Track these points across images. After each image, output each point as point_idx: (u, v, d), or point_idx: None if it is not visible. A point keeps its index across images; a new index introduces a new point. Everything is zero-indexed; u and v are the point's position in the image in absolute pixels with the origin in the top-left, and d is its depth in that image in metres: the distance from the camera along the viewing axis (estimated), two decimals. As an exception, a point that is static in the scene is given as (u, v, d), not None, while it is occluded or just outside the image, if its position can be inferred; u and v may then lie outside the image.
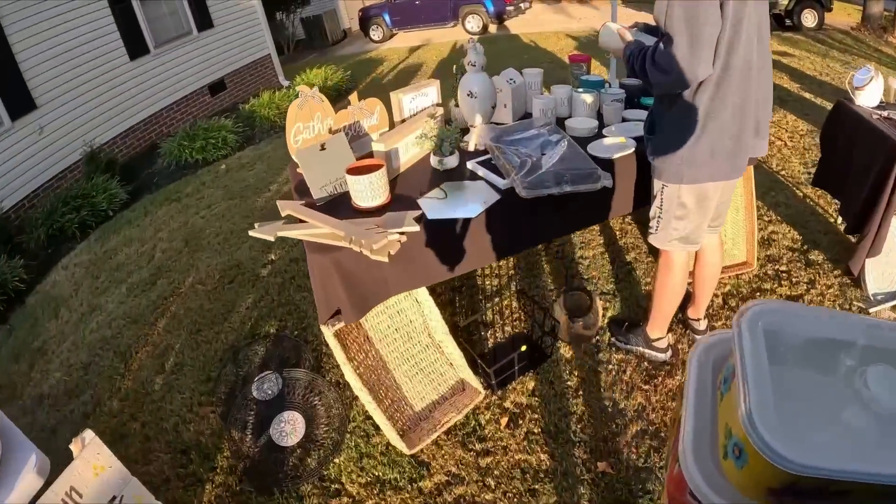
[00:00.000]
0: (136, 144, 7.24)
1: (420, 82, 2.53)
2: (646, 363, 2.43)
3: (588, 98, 2.51)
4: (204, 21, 8.30)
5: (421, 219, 1.85)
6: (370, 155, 2.17)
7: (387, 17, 13.63)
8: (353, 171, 1.92)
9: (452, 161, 2.16)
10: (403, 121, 2.48)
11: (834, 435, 0.54)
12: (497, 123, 2.47)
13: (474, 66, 2.12)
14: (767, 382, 0.55)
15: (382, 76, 8.68)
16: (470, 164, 2.16)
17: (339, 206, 2.03)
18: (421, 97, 2.49)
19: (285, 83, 9.30)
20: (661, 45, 1.65)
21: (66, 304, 3.86)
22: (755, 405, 0.53)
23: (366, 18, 13.84)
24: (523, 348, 2.48)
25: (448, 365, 2.36)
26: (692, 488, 0.58)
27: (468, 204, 1.91)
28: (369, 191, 1.87)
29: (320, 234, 1.82)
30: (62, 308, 3.81)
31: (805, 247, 3.06)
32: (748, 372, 0.56)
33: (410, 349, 2.34)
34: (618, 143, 2.21)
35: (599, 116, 2.53)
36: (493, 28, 12.99)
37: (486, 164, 2.12)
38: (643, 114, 2.61)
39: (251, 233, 1.92)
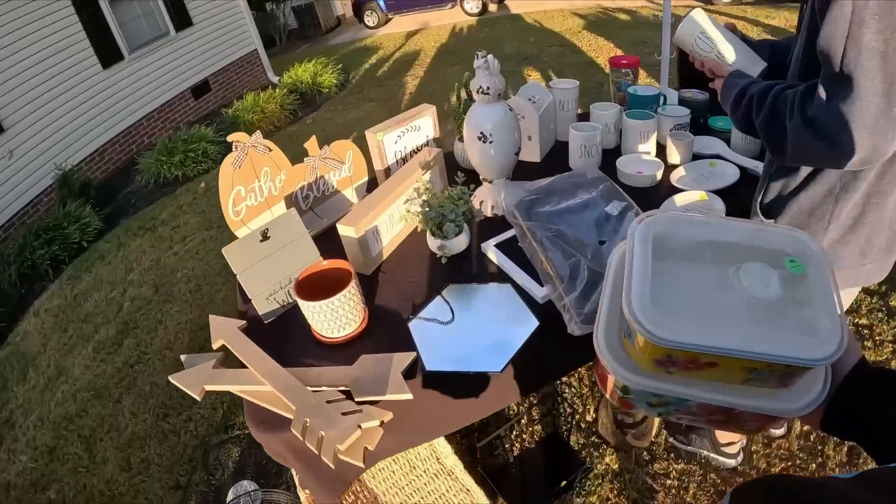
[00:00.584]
0: (115, 160, 6.55)
1: (408, 112, 1.79)
2: (713, 474, 1.85)
3: (646, 127, 1.78)
4: (182, 20, 7.53)
5: (417, 368, 1.15)
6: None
7: (381, 2, 12.75)
8: (308, 285, 1.22)
9: (459, 243, 1.44)
10: (388, 170, 1.76)
11: (703, 317, 0.63)
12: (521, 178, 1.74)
13: (487, 93, 1.37)
14: (648, 275, 0.66)
15: (377, 67, 7.85)
16: (489, 251, 1.44)
17: (295, 325, 1.33)
18: (411, 133, 1.76)
19: (275, 79, 8.52)
20: (823, 90, 0.94)
21: (34, 363, 3.47)
22: (635, 293, 0.64)
23: (359, 4, 12.94)
24: (562, 484, 1.79)
25: (465, 492, 1.69)
26: (603, 363, 0.70)
27: (487, 341, 1.19)
28: (332, 320, 1.17)
29: (263, 394, 1.13)
30: (30, 368, 3.44)
31: (887, 290, 2.36)
32: (633, 268, 0.67)
33: (415, 481, 1.66)
34: (697, 204, 1.51)
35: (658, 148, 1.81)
36: (493, 7, 12.09)
37: (510, 251, 1.39)
38: (712, 142, 1.89)
39: (171, 378, 1.22)
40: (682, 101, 2.01)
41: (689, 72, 2.35)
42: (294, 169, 1.63)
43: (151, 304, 3.57)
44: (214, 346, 1.29)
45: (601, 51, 6.45)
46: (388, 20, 13.05)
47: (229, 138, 1.53)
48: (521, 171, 1.69)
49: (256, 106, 6.29)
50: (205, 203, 4.80)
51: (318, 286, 1.21)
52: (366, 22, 12.96)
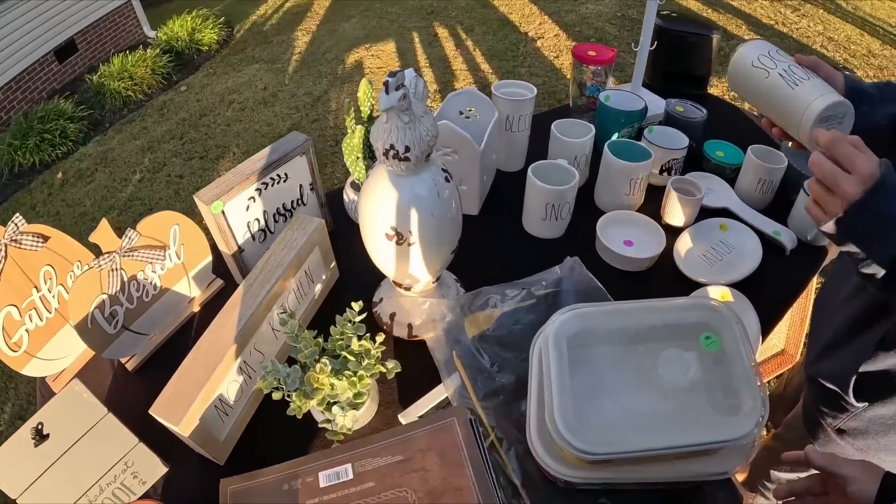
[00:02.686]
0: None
1: (267, 150, 1.01)
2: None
3: (640, 171, 1.14)
4: None
5: None
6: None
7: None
8: None
9: (359, 416, 0.75)
10: (238, 253, 1.00)
11: (626, 423, 0.61)
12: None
13: (406, 157, 0.65)
14: (567, 388, 0.63)
15: (265, 19, 6.63)
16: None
17: None
18: (273, 188, 1.00)
19: (151, 34, 7.13)
20: None
21: None
22: (557, 411, 0.61)
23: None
24: None
25: None
26: (543, 466, 0.66)
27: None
28: None
29: None
30: None
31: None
32: (552, 381, 0.64)
33: None
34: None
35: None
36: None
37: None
38: (714, 185, 1.29)
39: None
40: (671, 119, 1.36)
41: (666, 65, 1.72)
42: (85, 278, 0.86)
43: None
44: None
45: (514, 6, 5.68)
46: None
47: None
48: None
49: (124, 70, 5.10)
50: (60, 200, 3.77)
51: None
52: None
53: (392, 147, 0.64)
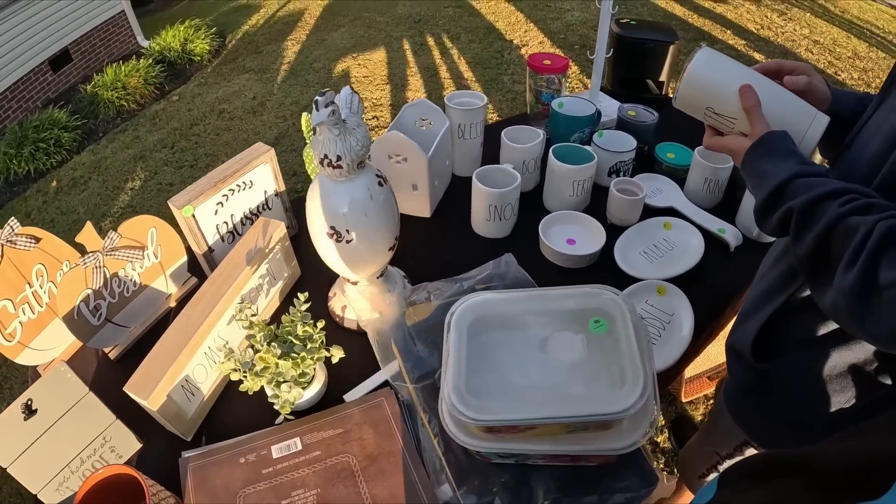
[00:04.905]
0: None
1: (235, 160, 1.13)
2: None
3: (582, 174, 1.25)
4: None
5: None
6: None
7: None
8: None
9: (306, 395, 0.88)
10: (209, 253, 1.13)
11: (514, 395, 0.69)
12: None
13: (338, 165, 0.77)
14: (463, 367, 0.72)
15: (257, 28, 6.79)
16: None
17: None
18: (240, 194, 1.13)
19: (145, 43, 7.28)
20: None
21: None
22: (452, 385, 0.70)
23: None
24: None
25: None
26: (449, 434, 0.73)
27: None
28: None
29: None
30: None
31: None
32: (451, 359, 0.73)
33: None
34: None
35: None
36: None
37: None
38: (663, 185, 1.40)
39: None
40: (623, 123, 1.48)
41: (625, 71, 1.83)
42: (71, 274, 0.98)
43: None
44: None
45: (500, 14, 5.81)
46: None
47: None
48: (405, 232, 1.12)
49: (117, 80, 5.24)
50: (55, 207, 3.90)
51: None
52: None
53: (326, 157, 0.77)
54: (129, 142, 4.52)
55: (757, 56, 4.70)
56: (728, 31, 5.14)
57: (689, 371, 1.97)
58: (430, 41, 5.34)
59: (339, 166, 0.77)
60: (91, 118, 5.10)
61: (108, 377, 1.06)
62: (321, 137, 0.75)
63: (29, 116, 5.05)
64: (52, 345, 1.09)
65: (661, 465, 1.91)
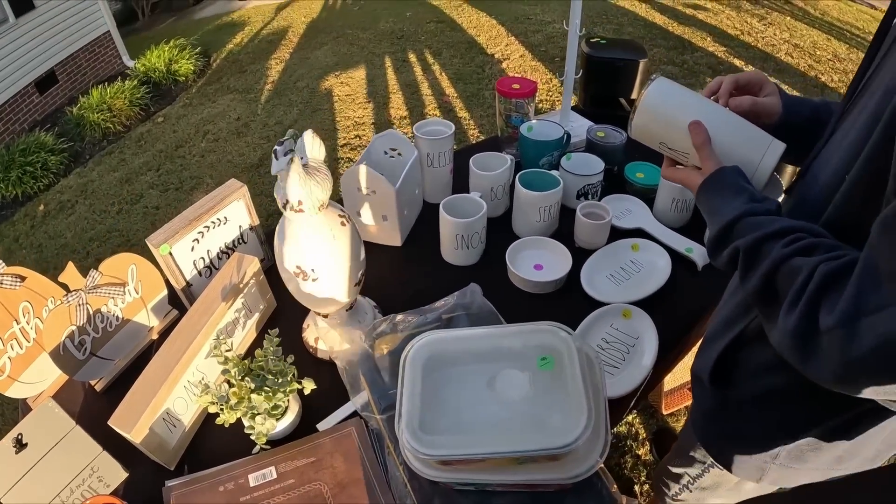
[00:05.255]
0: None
1: (208, 198, 1.18)
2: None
3: (548, 200, 1.30)
4: (22, 2, 6.22)
5: None
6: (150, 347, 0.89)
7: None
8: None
9: (280, 426, 0.93)
10: (187, 287, 1.17)
11: (463, 430, 0.74)
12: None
13: (300, 209, 0.82)
14: (416, 401, 0.76)
15: (241, 47, 6.85)
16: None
17: None
18: (215, 230, 1.18)
19: (130, 64, 7.32)
20: (867, 283, 0.52)
21: None
22: (405, 419, 0.74)
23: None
24: None
25: None
26: (408, 462, 0.77)
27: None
28: None
29: None
30: None
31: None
32: (404, 392, 0.77)
33: None
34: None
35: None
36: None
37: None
38: (632, 205, 1.45)
39: None
40: (591, 145, 1.53)
41: (596, 90, 1.88)
42: (56, 313, 1.04)
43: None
44: None
45: (482, 28, 5.90)
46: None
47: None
48: (377, 261, 1.17)
49: (103, 102, 5.29)
50: (42, 232, 3.92)
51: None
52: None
53: (287, 201, 0.82)
54: (116, 164, 4.56)
55: (737, 62, 4.79)
56: (708, 38, 5.23)
57: (669, 384, 2.02)
58: (413, 57, 5.41)
59: (301, 210, 0.83)
60: (77, 141, 5.15)
61: (94, 408, 1.11)
62: (282, 183, 0.81)
63: (16, 139, 5.10)
64: (40, 378, 1.13)
65: (643, 478, 1.96)
